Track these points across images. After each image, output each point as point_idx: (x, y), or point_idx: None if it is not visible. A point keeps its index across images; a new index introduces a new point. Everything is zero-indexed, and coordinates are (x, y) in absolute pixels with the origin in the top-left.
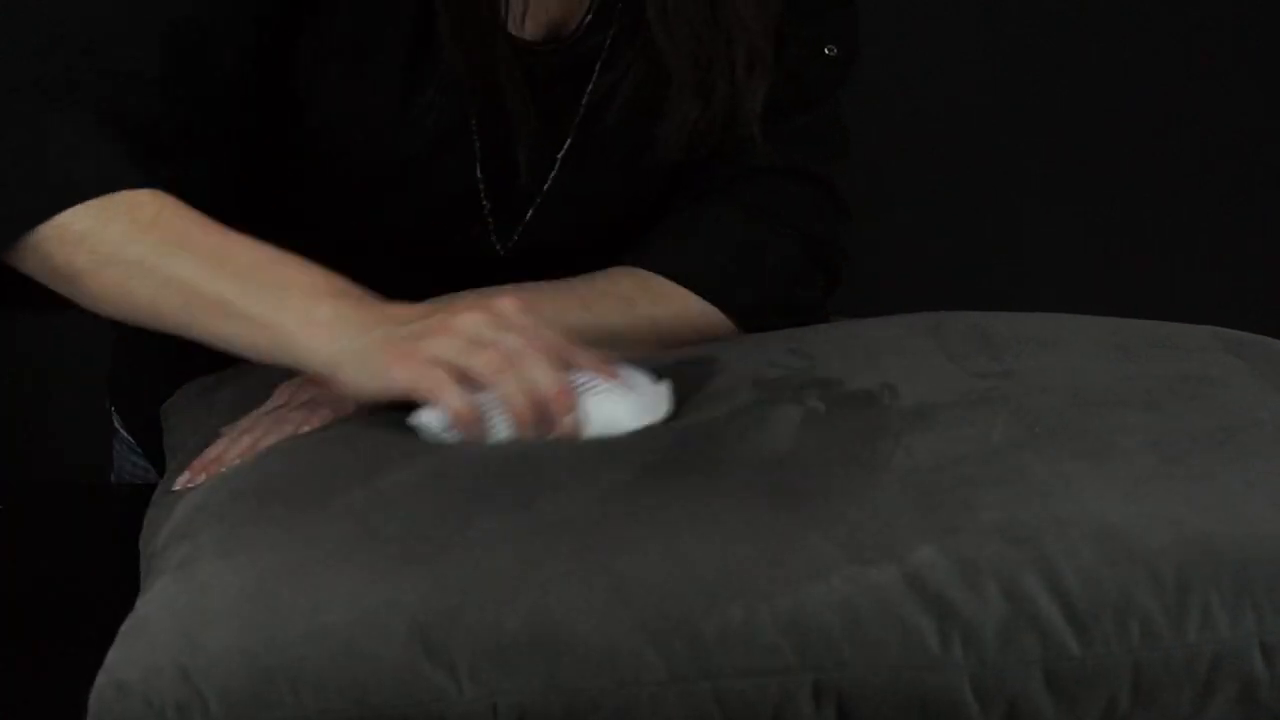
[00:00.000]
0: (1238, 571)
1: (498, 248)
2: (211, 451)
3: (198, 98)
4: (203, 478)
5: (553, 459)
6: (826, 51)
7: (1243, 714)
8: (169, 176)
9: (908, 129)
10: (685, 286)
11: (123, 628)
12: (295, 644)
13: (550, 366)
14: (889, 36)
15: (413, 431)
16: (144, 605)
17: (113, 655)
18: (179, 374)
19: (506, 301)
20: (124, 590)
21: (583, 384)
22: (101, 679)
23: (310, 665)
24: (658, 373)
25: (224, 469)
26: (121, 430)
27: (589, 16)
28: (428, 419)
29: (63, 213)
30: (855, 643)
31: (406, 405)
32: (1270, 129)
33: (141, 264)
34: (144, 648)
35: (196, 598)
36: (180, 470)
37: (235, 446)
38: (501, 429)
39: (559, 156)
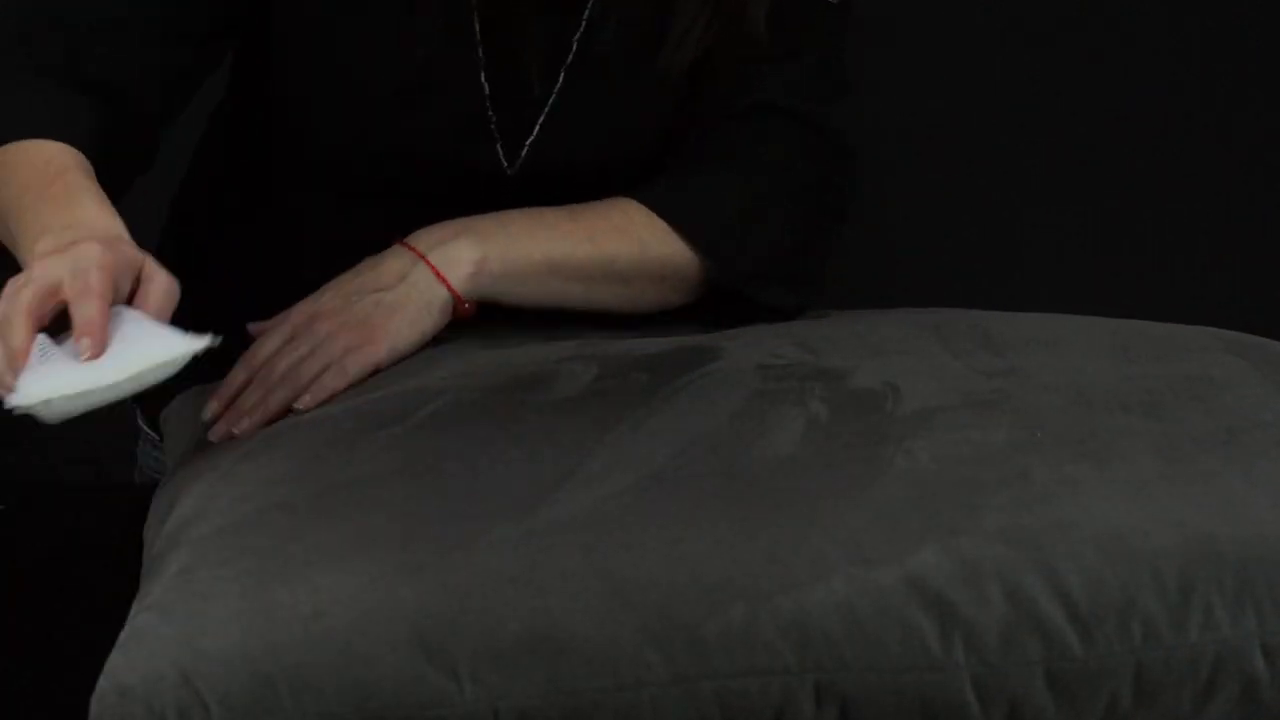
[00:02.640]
0: (1239, 572)
1: (505, 166)
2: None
3: (175, 38)
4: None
5: (554, 463)
6: None
7: (1243, 714)
8: (129, 117)
9: (907, 128)
10: (688, 242)
11: (123, 633)
12: (295, 648)
13: (22, 329)
14: (889, 36)
15: (402, 427)
16: (143, 611)
17: (114, 660)
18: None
19: (88, 246)
20: (125, 590)
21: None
22: (103, 683)
23: (311, 669)
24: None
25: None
26: (145, 428)
27: None
28: None
29: None
30: (856, 644)
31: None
32: (1270, 129)
33: None
34: (145, 653)
35: (197, 604)
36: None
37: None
38: None
39: (563, 68)
